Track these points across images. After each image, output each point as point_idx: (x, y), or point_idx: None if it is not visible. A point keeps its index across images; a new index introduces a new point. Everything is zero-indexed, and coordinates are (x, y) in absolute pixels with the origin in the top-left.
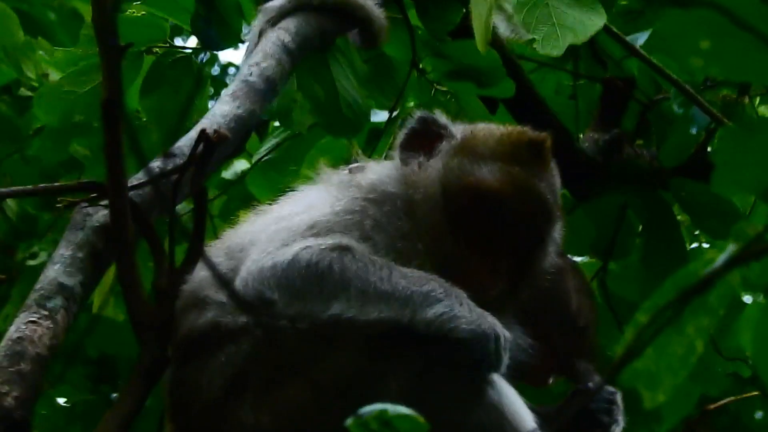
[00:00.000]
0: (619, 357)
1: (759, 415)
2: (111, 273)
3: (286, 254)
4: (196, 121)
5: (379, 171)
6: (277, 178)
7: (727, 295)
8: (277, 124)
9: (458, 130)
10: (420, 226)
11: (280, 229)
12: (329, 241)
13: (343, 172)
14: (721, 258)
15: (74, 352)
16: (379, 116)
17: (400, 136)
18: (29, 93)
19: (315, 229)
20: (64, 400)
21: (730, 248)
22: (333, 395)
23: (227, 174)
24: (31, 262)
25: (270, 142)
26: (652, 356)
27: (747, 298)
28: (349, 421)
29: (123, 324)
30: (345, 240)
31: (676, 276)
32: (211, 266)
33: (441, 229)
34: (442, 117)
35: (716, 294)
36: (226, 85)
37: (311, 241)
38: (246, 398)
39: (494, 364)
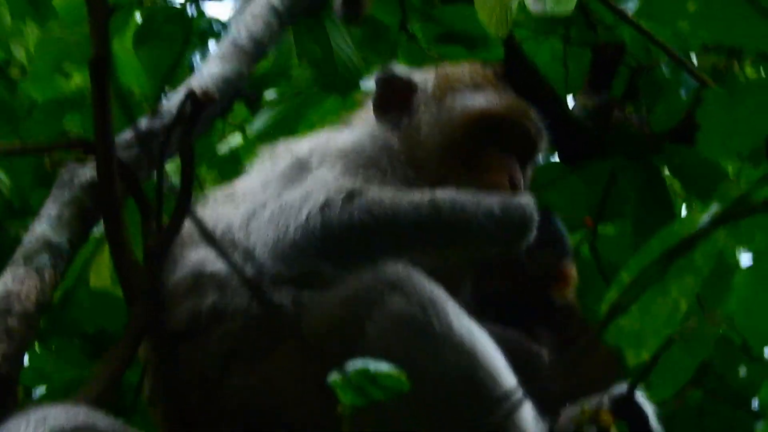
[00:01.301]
0: (604, 314)
1: (743, 372)
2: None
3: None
4: (184, 81)
5: (365, 133)
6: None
7: (712, 255)
8: (270, 97)
9: (422, 77)
10: (425, 172)
11: (291, 200)
12: (343, 192)
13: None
14: (705, 217)
15: (70, 326)
16: (370, 83)
17: (371, 105)
18: (21, 76)
19: (325, 191)
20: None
21: (714, 208)
22: (320, 354)
23: (221, 149)
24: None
25: (264, 115)
26: (636, 315)
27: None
28: (332, 377)
29: (118, 297)
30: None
31: (661, 235)
32: (202, 227)
33: (451, 166)
34: (400, 70)
35: (701, 253)
36: (215, 36)
37: (332, 201)
38: (239, 367)
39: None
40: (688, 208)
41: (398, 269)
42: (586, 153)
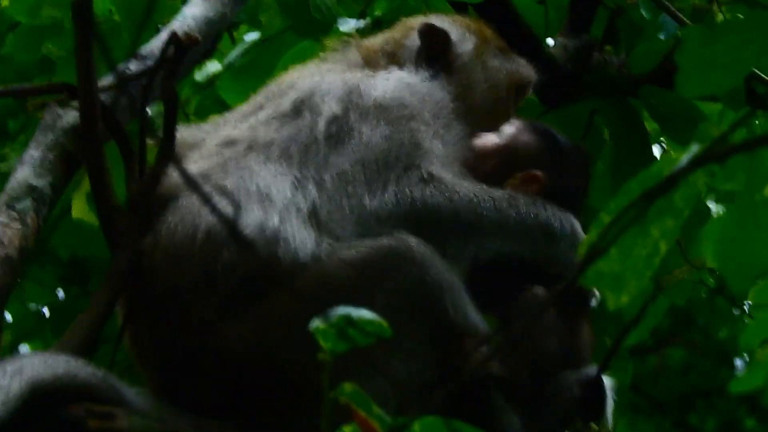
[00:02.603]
0: (583, 257)
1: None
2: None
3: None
4: (169, 20)
5: (401, 83)
6: (249, 83)
7: (692, 196)
8: (247, 36)
9: (457, 32)
10: (471, 122)
11: (355, 166)
12: (414, 174)
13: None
14: (684, 158)
15: (43, 252)
16: (348, 24)
17: (410, 55)
18: None
19: (394, 161)
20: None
21: (694, 148)
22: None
23: (199, 76)
24: (1, 165)
25: (241, 47)
26: (616, 257)
27: (712, 206)
28: (314, 324)
29: (93, 226)
30: (431, 168)
31: (641, 176)
32: (185, 174)
33: (490, 118)
34: (438, 21)
35: (681, 195)
36: None
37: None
38: (234, 316)
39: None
40: (662, 152)
41: (417, 243)
42: (565, 94)
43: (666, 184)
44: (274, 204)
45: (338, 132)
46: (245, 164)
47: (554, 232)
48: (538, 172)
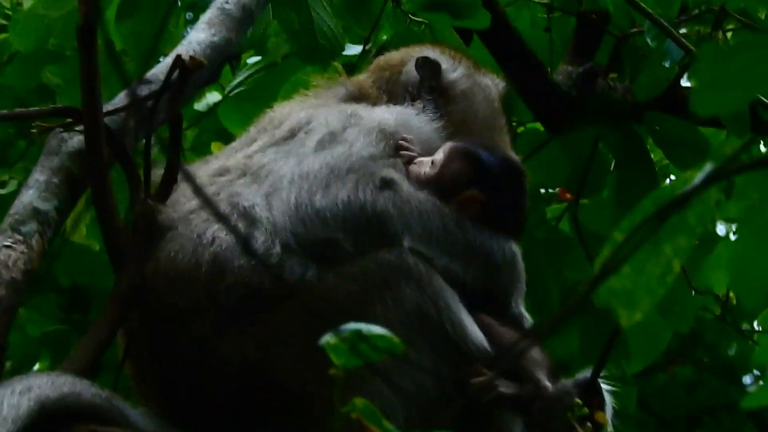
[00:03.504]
0: (596, 274)
1: (732, 352)
2: (83, 200)
3: (341, 195)
4: (172, 49)
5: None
6: (251, 110)
7: (705, 214)
8: (251, 59)
9: (445, 60)
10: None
11: (319, 166)
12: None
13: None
14: (699, 176)
15: (45, 279)
16: (353, 50)
17: (405, 88)
18: (3, 21)
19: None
20: (35, 329)
21: (708, 167)
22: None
23: (199, 106)
24: (1, 191)
25: (244, 74)
26: (629, 274)
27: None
28: (324, 339)
29: (95, 253)
30: (392, 175)
31: (654, 194)
32: (199, 190)
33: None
34: (431, 53)
35: (694, 213)
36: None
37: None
38: (237, 332)
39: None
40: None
41: (415, 261)
42: (569, 121)
43: (679, 202)
44: (261, 221)
45: (330, 141)
46: (234, 190)
47: (497, 260)
48: (476, 193)
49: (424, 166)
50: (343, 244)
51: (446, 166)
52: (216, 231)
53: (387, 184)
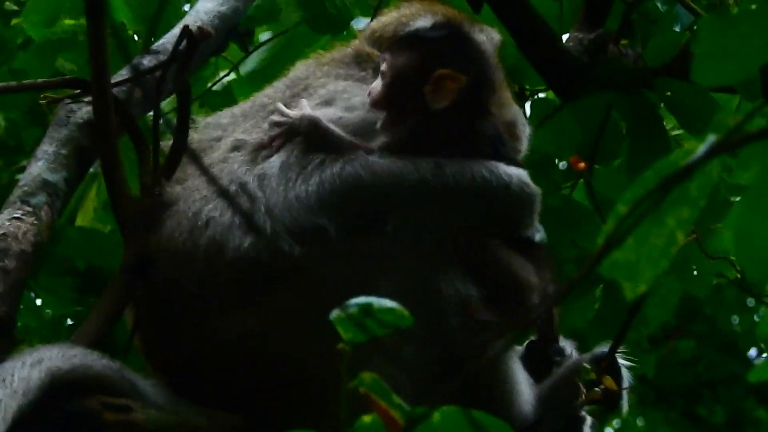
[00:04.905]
0: (600, 247)
1: (736, 320)
2: (94, 188)
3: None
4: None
5: None
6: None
7: (708, 186)
8: (263, 36)
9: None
10: None
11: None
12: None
13: None
14: (701, 148)
15: (61, 263)
16: (362, 23)
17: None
18: (15, 7)
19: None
20: (51, 311)
21: (711, 138)
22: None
23: (214, 87)
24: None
25: (256, 56)
26: (632, 246)
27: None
28: (333, 314)
29: (109, 235)
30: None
31: (657, 166)
32: (202, 167)
33: None
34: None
35: (696, 184)
36: None
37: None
38: (236, 307)
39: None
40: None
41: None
42: (580, 88)
43: (682, 174)
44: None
45: None
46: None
47: (490, 188)
48: (442, 71)
49: (375, 86)
50: (329, 228)
51: (394, 66)
52: (211, 210)
53: (351, 158)
